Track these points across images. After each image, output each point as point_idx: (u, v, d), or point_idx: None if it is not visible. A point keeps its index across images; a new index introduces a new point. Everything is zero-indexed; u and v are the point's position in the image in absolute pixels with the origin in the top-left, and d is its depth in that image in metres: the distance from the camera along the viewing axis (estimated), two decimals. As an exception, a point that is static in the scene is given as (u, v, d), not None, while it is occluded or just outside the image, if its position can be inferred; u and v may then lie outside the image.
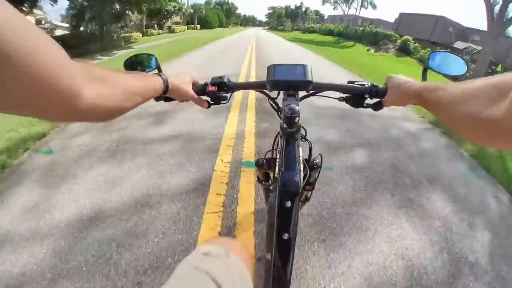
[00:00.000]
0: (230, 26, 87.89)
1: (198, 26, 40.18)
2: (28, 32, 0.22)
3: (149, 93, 0.49)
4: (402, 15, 27.32)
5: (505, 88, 0.29)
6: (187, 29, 35.07)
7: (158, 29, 26.50)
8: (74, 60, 0.29)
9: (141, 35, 19.78)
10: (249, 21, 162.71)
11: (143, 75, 0.51)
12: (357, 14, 32.03)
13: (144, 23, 23.63)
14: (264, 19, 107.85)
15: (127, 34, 17.30)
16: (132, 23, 21.97)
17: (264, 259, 0.75)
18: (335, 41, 22.21)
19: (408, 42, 15.41)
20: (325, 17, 63.68)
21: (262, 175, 0.95)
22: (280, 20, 68.44)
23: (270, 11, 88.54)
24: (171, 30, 28.56)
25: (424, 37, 19.58)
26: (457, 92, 0.37)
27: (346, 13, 34.14)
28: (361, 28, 22.82)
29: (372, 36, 19.52)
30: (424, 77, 0.63)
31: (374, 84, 0.67)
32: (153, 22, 26.74)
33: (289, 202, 0.52)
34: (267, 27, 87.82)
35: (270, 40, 20.31)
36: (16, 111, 0.25)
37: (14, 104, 0.24)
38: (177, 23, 37.69)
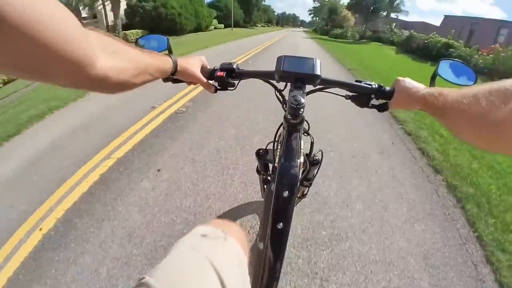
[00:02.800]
0: (259, 25, 63.04)
1: (139, 33, 16.05)
2: (46, 3, 0.22)
3: (158, 72, 0.50)
4: None
5: (507, 93, 0.29)
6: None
7: None
8: (90, 30, 0.29)
9: None
10: (288, 20, 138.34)
11: (155, 54, 0.50)
12: None
13: None
14: (308, 18, 77.61)
15: None
16: None
17: (256, 249, 0.66)
18: None
19: None
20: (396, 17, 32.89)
21: (261, 166, 0.98)
22: (333, 19, 36.53)
23: (317, 4, 53.08)
24: None
25: None
26: (460, 96, 0.37)
27: None
28: None
29: None
30: (432, 84, 0.61)
31: (381, 85, 0.67)
32: None
33: (287, 192, 0.52)
34: (309, 29, 60.37)
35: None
36: (32, 77, 0.25)
37: (32, 70, 0.24)
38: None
